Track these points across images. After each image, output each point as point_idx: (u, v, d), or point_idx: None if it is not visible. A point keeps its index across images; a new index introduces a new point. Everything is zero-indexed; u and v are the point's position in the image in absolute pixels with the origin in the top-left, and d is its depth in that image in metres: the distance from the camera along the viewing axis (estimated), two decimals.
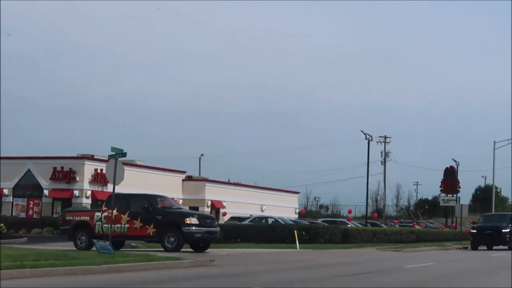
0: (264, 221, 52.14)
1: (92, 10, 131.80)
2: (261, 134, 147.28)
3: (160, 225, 31.05)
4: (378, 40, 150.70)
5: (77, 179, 61.03)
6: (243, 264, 25.32)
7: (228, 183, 78.50)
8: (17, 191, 63.53)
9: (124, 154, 27.93)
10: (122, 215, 31.72)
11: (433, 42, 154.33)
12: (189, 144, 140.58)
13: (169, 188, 70.46)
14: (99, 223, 31.82)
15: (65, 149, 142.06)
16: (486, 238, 47.41)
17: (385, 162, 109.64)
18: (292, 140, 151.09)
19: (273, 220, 51.97)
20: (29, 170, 62.96)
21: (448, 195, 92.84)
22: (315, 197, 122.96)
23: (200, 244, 32.15)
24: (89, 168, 61.51)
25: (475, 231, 48.44)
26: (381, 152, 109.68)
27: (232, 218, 57.76)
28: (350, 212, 65.31)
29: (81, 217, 32.74)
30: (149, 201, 32.10)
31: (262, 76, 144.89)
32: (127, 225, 31.63)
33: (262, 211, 78.34)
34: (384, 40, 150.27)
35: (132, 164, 68.48)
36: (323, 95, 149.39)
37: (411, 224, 75.15)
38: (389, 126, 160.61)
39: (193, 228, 30.82)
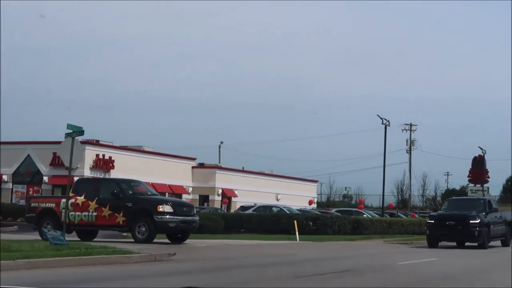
0: (268, 210, 48.39)
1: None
2: (283, 124, 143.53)
3: (131, 213, 27.47)
4: (397, 31, 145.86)
5: (78, 165, 57.71)
6: (208, 259, 21.72)
7: (241, 171, 74.94)
8: (16, 177, 60.61)
9: (81, 132, 24.26)
10: (90, 202, 28.24)
11: (458, 31, 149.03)
12: (209, 134, 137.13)
13: (179, 175, 67.33)
14: (65, 210, 28.33)
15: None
16: (448, 231, 33.30)
17: (410, 150, 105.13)
18: (315, 130, 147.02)
19: (278, 209, 48.23)
20: (28, 155, 59.99)
21: (477, 185, 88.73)
22: (345, 187, 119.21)
23: (177, 235, 28.60)
24: (90, 154, 58.27)
25: (432, 221, 34.14)
26: (406, 140, 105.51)
27: (242, 208, 54.20)
28: (361, 202, 61.09)
29: (47, 204, 29.29)
30: (119, 186, 28.45)
31: (283, 69, 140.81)
32: (95, 213, 28.11)
33: (278, 200, 74.73)
34: (404, 31, 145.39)
35: (140, 150, 65.45)
36: (345, 87, 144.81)
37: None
38: (417, 116, 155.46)
39: (167, 216, 27.23)
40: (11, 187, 60.41)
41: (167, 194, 66.06)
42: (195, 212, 29.39)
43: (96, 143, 59.91)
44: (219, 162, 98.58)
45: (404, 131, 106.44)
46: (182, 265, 19.03)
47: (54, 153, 58.26)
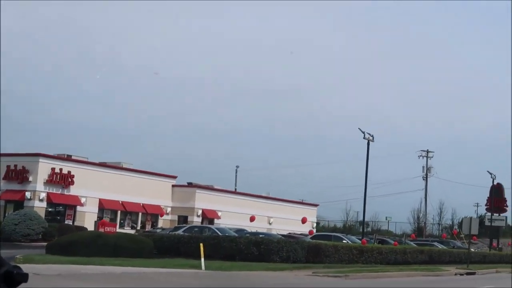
0: (206, 231, 36.98)
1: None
2: (297, 151, 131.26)
3: None
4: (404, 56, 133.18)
5: (30, 179, 47.53)
6: None
7: (226, 191, 63.51)
8: None
9: None
10: None
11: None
12: (226, 159, 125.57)
13: (157, 194, 56.54)
14: None
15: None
16: None
17: (426, 177, 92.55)
18: (329, 155, 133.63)
19: (212, 230, 36.81)
20: None
21: (495, 214, 76.14)
22: (386, 217, 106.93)
23: None
24: (44, 167, 48.00)
25: None
26: (423, 167, 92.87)
27: (175, 227, 42.76)
28: (304, 221, 48.86)
29: None
30: None
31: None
32: None
33: (270, 223, 63.19)
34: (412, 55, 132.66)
35: (117, 167, 54.96)
36: (358, 110, 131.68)
37: (431, 241, 58.41)
38: (436, 143, 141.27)
39: None
40: None
41: (140, 213, 55.37)
42: None
43: (49, 156, 49.31)
44: (235, 187, 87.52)
45: (421, 157, 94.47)
46: None
47: (8, 166, 48.31)
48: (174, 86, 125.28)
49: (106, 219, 51.12)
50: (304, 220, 53.59)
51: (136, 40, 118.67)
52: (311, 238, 45.07)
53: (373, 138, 46.95)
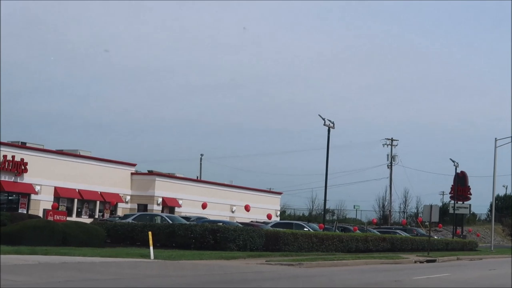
0: (155, 219, 35.52)
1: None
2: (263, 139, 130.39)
3: None
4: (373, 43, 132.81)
5: None
6: None
7: (188, 179, 61.98)
8: None
9: None
10: None
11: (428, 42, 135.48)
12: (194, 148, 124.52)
13: (116, 182, 54.93)
14: None
15: None
16: None
17: (391, 165, 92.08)
18: (293, 144, 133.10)
19: (163, 218, 35.43)
20: None
21: (459, 202, 75.71)
22: (354, 205, 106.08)
23: None
24: None
25: None
26: (387, 155, 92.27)
27: (125, 216, 41.30)
28: (247, 208, 47.81)
29: None
30: None
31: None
32: None
33: (233, 212, 61.95)
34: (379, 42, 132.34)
35: (74, 155, 53.16)
36: (326, 104, 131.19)
37: (395, 230, 57.67)
38: (402, 131, 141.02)
39: None
40: None
41: (98, 202, 53.74)
42: None
43: (11, 144, 47.68)
44: (200, 176, 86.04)
45: (386, 146, 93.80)
46: None
47: None
48: (136, 75, 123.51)
49: (63, 207, 49.50)
50: (247, 207, 52.70)
51: (95, 27, 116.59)
52: (272, 226, 44.00)
53: (333, 125, 45.87)
